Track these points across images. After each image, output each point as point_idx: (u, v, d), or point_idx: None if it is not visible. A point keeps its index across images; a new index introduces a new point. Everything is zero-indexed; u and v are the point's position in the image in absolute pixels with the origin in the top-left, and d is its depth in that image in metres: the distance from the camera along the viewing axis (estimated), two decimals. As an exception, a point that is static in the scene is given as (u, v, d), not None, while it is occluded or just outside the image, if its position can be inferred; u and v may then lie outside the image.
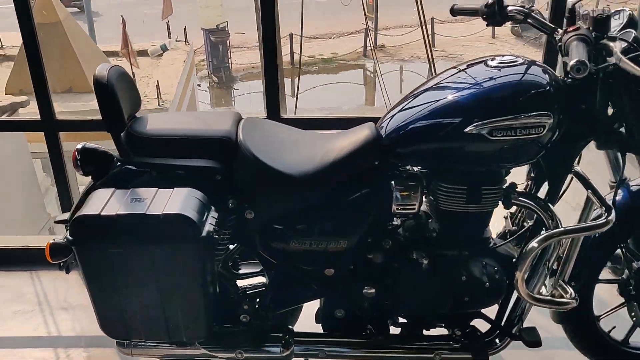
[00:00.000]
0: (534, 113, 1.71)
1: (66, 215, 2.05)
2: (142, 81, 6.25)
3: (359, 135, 1.90)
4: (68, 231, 1.70)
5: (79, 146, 1.95)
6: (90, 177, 1.97)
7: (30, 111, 4.48)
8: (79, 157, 1.91)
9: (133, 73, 5.72)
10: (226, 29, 13.86)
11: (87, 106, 5.72)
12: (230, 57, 14.51)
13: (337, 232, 1.90)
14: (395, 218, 1.98)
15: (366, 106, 13.28)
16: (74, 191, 3.00)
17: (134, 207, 1.63)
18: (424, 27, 5.12)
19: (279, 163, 1.85)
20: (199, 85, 12.66)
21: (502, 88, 1.78)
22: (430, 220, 2.00)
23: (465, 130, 1.73)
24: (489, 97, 1.76)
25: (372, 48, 11.12)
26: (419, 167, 1.92)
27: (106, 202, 1.65)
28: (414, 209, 1.90)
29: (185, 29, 8.47)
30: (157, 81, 5.69)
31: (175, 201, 1.65)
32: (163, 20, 8.20)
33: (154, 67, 6.90)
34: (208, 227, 1.65)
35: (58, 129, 2.72)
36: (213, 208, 1.74)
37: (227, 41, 14.16)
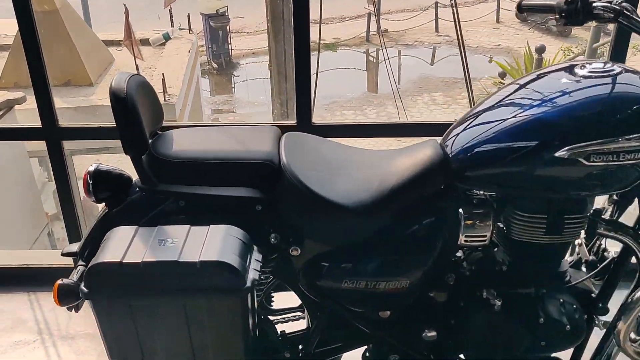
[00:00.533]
0: None
1: (75, 247, 1.77)
2: (145, 73, 5.89)
3: (422, 155, 1.62)
4: (83, 281, 1.41)
5: (91, 168, 1.66)
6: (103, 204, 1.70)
7: (27, 107, 4.18)
8: (91, 182, 1.63)
9: (137, 66, 5.39)
10: (226, 14, 13.46)
11: (87, 101, 5.38)
12: (230, 43, 14.13)
13: (397, 270, 1.63)
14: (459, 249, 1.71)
15: (371, 93, 12.96)
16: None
17: (163, 252, 1.34)
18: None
19: (330, 190, 1.56)
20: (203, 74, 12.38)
21: (602, 103, 1.49)
22: (496, 250, 1.73)
23: (557, 154, 1.45)
24: (585, 115, 1.48)
25: (378, 33, 10.78)
26: (490, 192, 1.65)
27: (128, 245, 1.37)
28: (484, 240, 1.64)
29: (188, 16, 8.08)
30: (163, 74, 5.35)
31: (212, 244, 1.36)
32: (165, 8, 7.84)
33: (157, 58, 6.54)
34: (252, 274, 1.37)
35: (61, 138, 2.42)
36: (256, 248, 1.46)
37: (227, 26, 13.75)
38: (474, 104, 5.94)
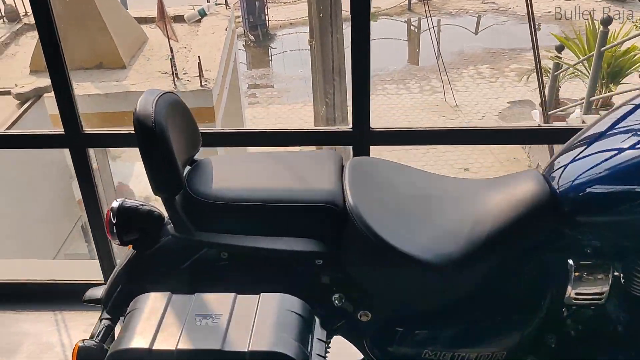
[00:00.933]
0: None
1: (98, 292, 1.51)
2: (180, 53, 5.58)
3: (524, 191, 1.28)
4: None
5: (115, 204, 1.38)
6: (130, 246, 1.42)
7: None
8: (114, 221, 1.34)
9: (171, 48, 5.08)
10: (263, -17, 13.03)
11: (120, 86, 5.11)
12: (267, 14, 13.71)
13: (492, 338, 1.31)
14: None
15: (413, 65, 12.41)
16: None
17: (203, 336, 1.05)
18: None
19: (409, 240, 1.24)
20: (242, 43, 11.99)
21: None
22: (608, 304, 1.39)
23: None
24: None
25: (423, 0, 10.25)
26: (609, 241, 1.30)
27: (159, 323, 1.07)
28: (600, 298, 1.30)
29: (226, -11, 7.73)
30: (199, 58, 5.03)
31: (264, 324, 1.06)
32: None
33: (193, 37, 6.19)
34: (316, 362, 1.07)
35: (87, 145, 2.14)
36: (318, 322, 1.15)
37: (265, -4, 13.35)
38: (543, 88, 5.47)
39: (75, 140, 2.12)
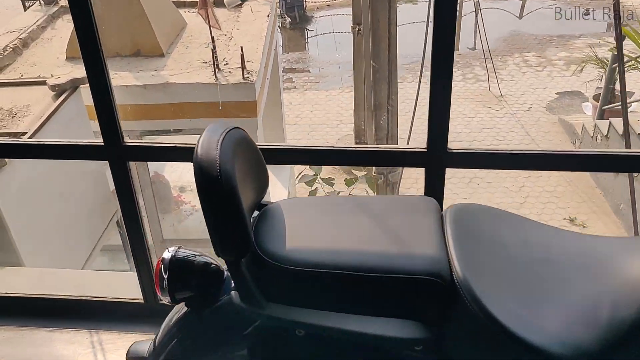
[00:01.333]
0: None
1: (145, 347, 1.30)
2: (220, 41, 5.31)
3: None
4: None
5: (167, 255, 1.15)
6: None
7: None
8: (166, 275, 1.12)
9: (212, 38, 4.83)
10: (301, -36, 12.67)
11: (158, 77, 4.89)
12: (305, -5, 13.39)
13: None
14: None
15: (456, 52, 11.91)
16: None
17: None
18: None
19: (533, 326, 0.99)
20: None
21: None
22: None
23: None
24: None
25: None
26: None
27: None
28: None
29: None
30: (242, 48, 4.76)
31: None
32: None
33: (233, 23, 5.92)
34: None
35: (128, 159, 1.92)
36: None
37: (302, -24, 13.00)
38: (623, 80, 5.05)
39: (115, 153, 1.91)
